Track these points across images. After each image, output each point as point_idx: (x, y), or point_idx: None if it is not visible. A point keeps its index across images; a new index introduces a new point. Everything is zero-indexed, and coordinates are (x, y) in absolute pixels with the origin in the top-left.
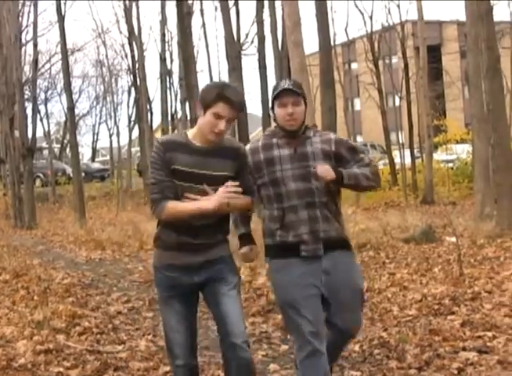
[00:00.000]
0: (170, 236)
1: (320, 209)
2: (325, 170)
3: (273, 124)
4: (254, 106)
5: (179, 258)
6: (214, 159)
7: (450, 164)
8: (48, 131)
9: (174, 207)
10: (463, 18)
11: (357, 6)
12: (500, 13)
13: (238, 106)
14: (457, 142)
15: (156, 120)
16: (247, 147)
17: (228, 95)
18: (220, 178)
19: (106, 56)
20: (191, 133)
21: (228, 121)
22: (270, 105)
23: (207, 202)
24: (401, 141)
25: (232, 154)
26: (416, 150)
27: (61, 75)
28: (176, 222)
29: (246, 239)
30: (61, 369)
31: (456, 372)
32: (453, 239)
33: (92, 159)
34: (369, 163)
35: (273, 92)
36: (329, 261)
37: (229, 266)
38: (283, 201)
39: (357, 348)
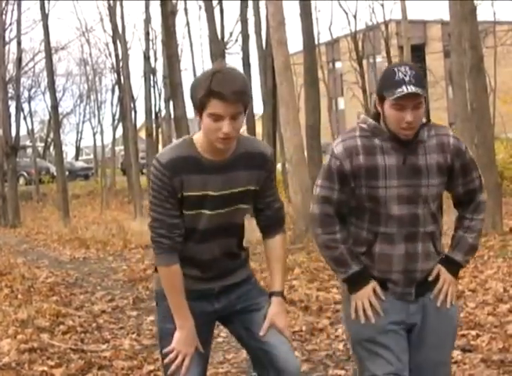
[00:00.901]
0: None
1: (423, 242)
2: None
3: (365, 115)
4: None
5: (191, 285)
6: (235, 173)
7: None
8: (32, 129)
9: (171, 279)
10: (446, 18)
11: (341, 5)
12: (484, 13)
13: (238, 97)
14: None
15: (140, 118)
16: (339, 144)
17: (218, 89)
18: (246, 194)
19: (90, 54)
20: (199, 141)
21: (232, 119)
22: (377, 91)
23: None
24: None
25: (257, 162)
26: None
27: (45, 73)
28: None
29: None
30: (45, 368)
31: None
32: None
33: (76, 157)
34: (479, 188)
35: (385, 83)
36: (420, 308)
37: (256, 286)
38: (379, 225)
39: (341, 346)
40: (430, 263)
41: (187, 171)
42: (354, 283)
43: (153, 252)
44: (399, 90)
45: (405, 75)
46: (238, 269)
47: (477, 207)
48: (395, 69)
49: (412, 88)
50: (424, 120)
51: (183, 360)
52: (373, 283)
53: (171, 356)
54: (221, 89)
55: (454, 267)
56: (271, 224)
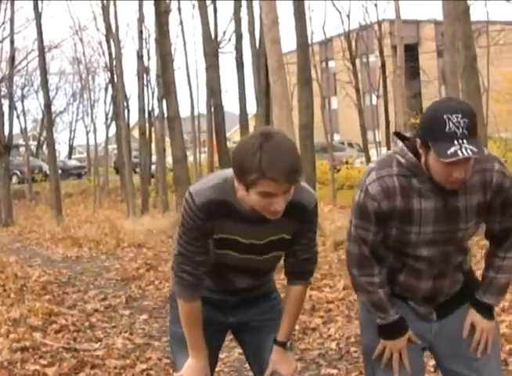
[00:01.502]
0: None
1: (451, 276)
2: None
3: (404, 147)
4: (231, 104)
5: (204, 292)
6: (271, 223)
7: None
8: (25, 128)
9: (191, 315)
10: (440, 17)
11: (334, 5)
12: (477, 13)
13: (292, 178)
14: None
15: (134, 117)
16: (376, 183)
17: (271, 172)
18: (279, 243)
19: (83, 53)
20: (240, 199)
21: (285, 193)
22: (420, 134)
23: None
24: (378, 139)
25: (297, 213)
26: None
27: (38, 72)
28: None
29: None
30: (37, 367)
31: (432, 370)
32: None
33: (69, 156)
34: None
35: (432, 132)
36: (444, 324)
37: (276, 304)
38: (406, 259)
39: (334, 345)
40: (456, 287)
41: (221, 215)
42: (389, 332)
43: (174, 284)
44: (451, 152)
45: (458, 127)
46: (260, 286)
47: (510, 245)
48: (445, 117)
49: (468, 150)
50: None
51: None
52: (409, 333)
53: None
54: (274, 172)
55: (488, 311)
56: (292, 272)
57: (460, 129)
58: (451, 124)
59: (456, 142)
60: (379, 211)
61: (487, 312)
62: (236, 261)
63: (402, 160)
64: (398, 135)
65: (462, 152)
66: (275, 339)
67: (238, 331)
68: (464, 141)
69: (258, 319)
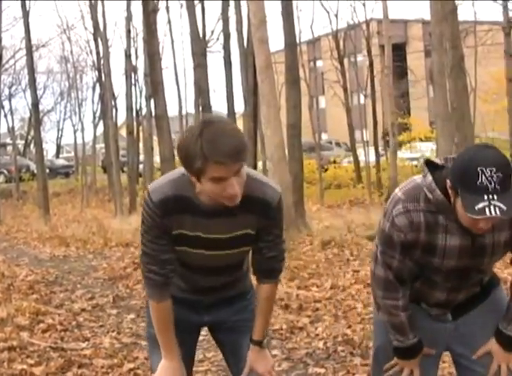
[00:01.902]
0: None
1: (467, 290)
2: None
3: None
4: (219, 103)
5: (177, 293)
6: (233, 218)
7: (415, 162)
8: (13, 127)
9: (161, 315)
10: (427, 17)
11: (322, 4)
12: (464, 13)
13: (239, 156)
14: (421, 141)
15: (121, 116)
16: (402, 216)
17: (216, 156)
18: (242, 238)
19: (71, 52)
20: (200, 193)
21: (236, 175)
22: (451, 179)
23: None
24: (365, 139)
25: (260, 209)
26: (380, 148)
27: (25, 71)
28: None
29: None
30: (25, 366)
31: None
32: None
33: (57, 155)
34: None
35: (463, 181)
36: (459, 324)
37: (251, 304)
38: (423, 270)
39: (321, 345)
40: (470, 292)
41: (179, 211)
42: (405, 354)
43: (145, 282)
44: (479, 207)
45: (490, 182)
46: (233, 284)
47: None
48: (479, 169)
49: (496, 209)
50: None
51: None
52: (424, 350)
53: None
54: (217, 155)
55: (510, 343)
56: (259, 270)
57: (493, 184)
58: (483, 178)
59: (486, 197)
60: (405, 241)
61: (508, 344)
62: (203, 258)
63: (430, 196)
64: (430, 163)
65: (490, 210)
66: (251, 338)
67: (214, 331)
68: (495, 197)
69: (233, 320)
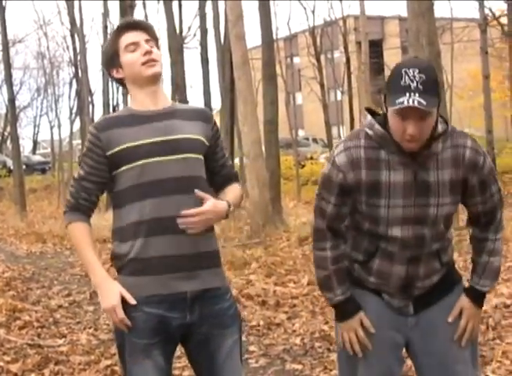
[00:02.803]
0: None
1: (426, 262)
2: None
3: (371, 120)
4: (195, 99)
5: (166, 285)
6: (173, 121)
7: None
8: None
9: (75, 235)
10: (404, 13)
11: (299, 1)
12: (441, 10)
13: (141, 23)
14: None
15: (98, 112)
16: (342, 154)
17: (125, 24)
18: (193, 143)
19: (48, 47)
20: (132, 104)
21: (148, 43)
22: (384, 90)
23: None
24: (342, 135)
25: (199, 115)
26: None
27: (1, 67)
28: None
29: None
30: (1, 363)
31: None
32: None
33: (33, 151)
34: (499, 204)
35: (390, 85)
36: (421, 314)
37: (231, 307)
38: (379, 241)
39: (298, 341)
40: (433, 278)
41: (118, 125)
42: (339, 313)
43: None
44: (400, 100)
45: (413, 81)
46: (207, 267)
47: (498, 225)
48: (403, 71)
49: (415, 101)
50: (441, 128)
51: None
52: (360, 315)
53: (110, 317)
54: (128, 21)
55: (481, 298)
56: (227, 180)
57: (415, 83)
58: (406, 78)
59: (407, 94)
60: (344, 183)
61: (479, 298)
62: (156, 172)
63: (370, 133)
64: (369, 110)
65: (408, 102)
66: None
67: (187, 340)
68: (416, 94)
69: (211, 323)
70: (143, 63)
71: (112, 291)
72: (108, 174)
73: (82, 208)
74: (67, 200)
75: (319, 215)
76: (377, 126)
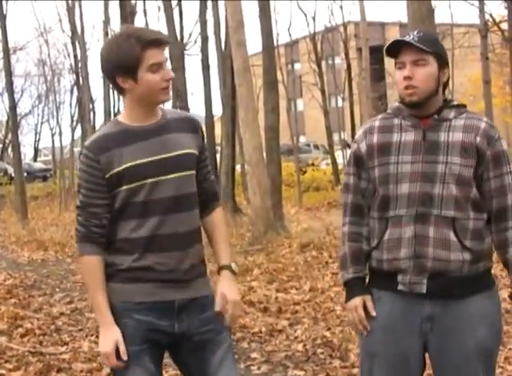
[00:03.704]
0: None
1: (436, 226)
2: None
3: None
4: (197, 106)
5: (155, 293)
6: (170, 135)
7: None
8: None
9: (87, 271)
10: (405, 19)
11: (300, 7)
12: (441, 15)
13: (166, 40)
14: None
15: (99, 119)
16: (361, 128)
17: (154, 36)
18: (187, 158)
19: (49, 55)
20: (124, 116)
21: (166, 63)
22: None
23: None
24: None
25: (187, 125)
26: None
27: (3, 74)
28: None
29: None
30: (3, 371)
31: None
32: None
33: (34, 159)
34: (508, 187)
35: (391, 44)
36: (438, 307)
37: (219, 315)
38: (389, 208)
39: (300, 347)
40: (450, 254)
41: (114, 145)
42: (346, 292)
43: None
44: (391, 41)
45: (410, 35)
46: (197, 277)
47: None
48: (406, 33)
49: (404, 39)
50: (455, 102)
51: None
52: (365, 297)
53: (103, 361)
54: (153, 35)
55: None
56: (208, 198)
57: (411, 36)
58: (406, 36)
59: (400, 39)
60: (358, 152)
61: None
62: (154, 192)
63: (389, 110)
64: None
65: (402, 39)
66: (221, 265)
67: (178, 349)
68: (408, 37)
69: (201, 331)
70: (162, 89)
71: (110, 339)
72: (109, 194)
73: (94, 237)
74: (77, 230)
75: (345, 189)
76: (396, 103)
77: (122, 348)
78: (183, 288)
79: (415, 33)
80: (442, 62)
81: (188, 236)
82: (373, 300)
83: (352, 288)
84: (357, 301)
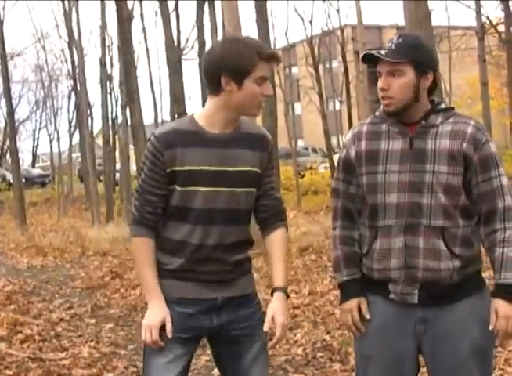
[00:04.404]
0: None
1: (425, 237)
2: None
3: None
4: (194, 110)
5: (199, 291)
6: (239, 150)
7: None
8: None
9: (138, 251)
10: (402, 22)
11: (297, 11)
12: (438, 18)
13: (280, 58)
14: None
15: (97, 125)
16: (349, 133)
17: (269, 52)
18: (249, 176)
19: (46, 60)
20: (201, 116)
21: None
22: None
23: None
24: (341, 144)
25: (258, 142)
26: None
27: (0, 80)
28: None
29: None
30: None
31: None
32: None
33: (33, 165)
34: (499, 190)
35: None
36: (431, 313)
37: (259, 312)
38: (378, 218)
39: (300, 351)
40: (441, 264)
41: (183, 144)
42: (341, 294)
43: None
44: (366, 52)
45: (390, 42)
46: (241, 275)
47: (504, 213)
48: (390, 38)
49: (376, 53)
50: (443, 106)
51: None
52: (359, 299)
53: (144, 334)
54: (269, 52)
55: (510, 292)
56: (269, 216)
57: (390, 44)
58: (387, 43)
59: (379, 51)
60: (347, 157)
61: (508, 293)
62: (203, 201)
63: (377, 113)
64: None
65: (372, 52)
66: (276, 287)
67: (216, 340)
68: (385, 51)
69: (239, 327)
70: (259, 103)
71: (158, 314)
72: (167, 186)
73: (147, 222)
74: (132, 212)
75: (334, 194)
76: (382, 107)
77: (169, 326)
78: (226, 287)
79: (394, 39)
80: (422, 68)
81: (234, 245)
82: (367, 302)
83: (347, 290)
84: (352, 303)
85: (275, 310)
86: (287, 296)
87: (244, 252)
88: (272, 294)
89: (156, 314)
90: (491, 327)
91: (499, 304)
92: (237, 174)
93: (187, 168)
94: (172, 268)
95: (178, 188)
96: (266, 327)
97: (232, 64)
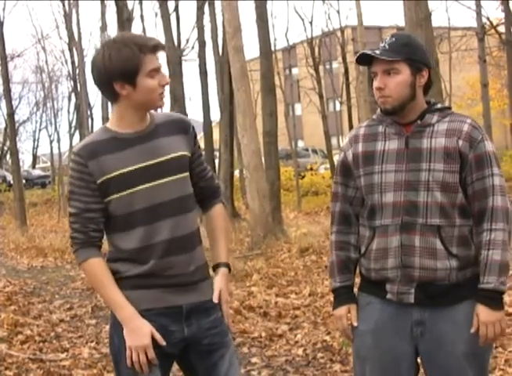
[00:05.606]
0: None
1: (422, 235)
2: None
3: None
4: (194, 111)
5: (162, 299)
6: (163, 138)
7: None
8: None
9: (94, 273)
10: (402, 23)
11: (297, 12)
12: (438, 18)
13: (162, 45)
14: None
15: (97, 126)
16: (347, 136)
17: (152, 45)
18: (182, 160)
19: (46, 61)
20: (112, 123)
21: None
22: None
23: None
24: (342, 145)
25: (178, 126)
26: None
27: (0, 81)
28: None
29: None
30: None
31: None
32: None
33: (33, 166)
34: (491, 189)
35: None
36: (427, 314)
37: (222, 314)
38: (375, 218)
39: (300, 352)
40: (437, 263)
41: (103, 152)
42: (334, 300)
43: (72, 251)
44: (359, 54)
45: (383, 42)
46: (202, 280)
47: (492, 214)
48: (384, 39)
49: (371, 52)
50: (439, 105)
51: (146, 355)
52: (350, 306)
53: (130, 355)
54: (151, 42)
55: (492, 299)
56: (206, 196)
57: (384, 43)
58: (381, 43)
59: (374, 51)
60: (344, 160)
61: (491, 300)
62: (146, 200)
63: (374, 116)
64: None
65: (367, 52)
66: (219, 262)
67: (187, 354)
68: (380, 50)
69: (211, 334)
70: (159, 94)
71: (143, 330)
72: (102, 199)
73: (94, 241)
74: (74, 237)
75: (333, 198)
76: (379, 110)
77: (158, 337)
78: (189, 292)
79: (387, 39)
80: (417, 66)
81: (188, 239)
82: (362, 305)
83: (339, 297)
84: (342, 310)
85: (221, 287)
86: (229, 270)
87: (198, 245)
88: (213, 270)
89: (142, 333)
90: (472, 331)
91: (480, 309)
92: (166, 163)
93: (118, 173)
94: (131, 274)
95: (116, 196)
96: (215, 299)
97: (118, 69)
